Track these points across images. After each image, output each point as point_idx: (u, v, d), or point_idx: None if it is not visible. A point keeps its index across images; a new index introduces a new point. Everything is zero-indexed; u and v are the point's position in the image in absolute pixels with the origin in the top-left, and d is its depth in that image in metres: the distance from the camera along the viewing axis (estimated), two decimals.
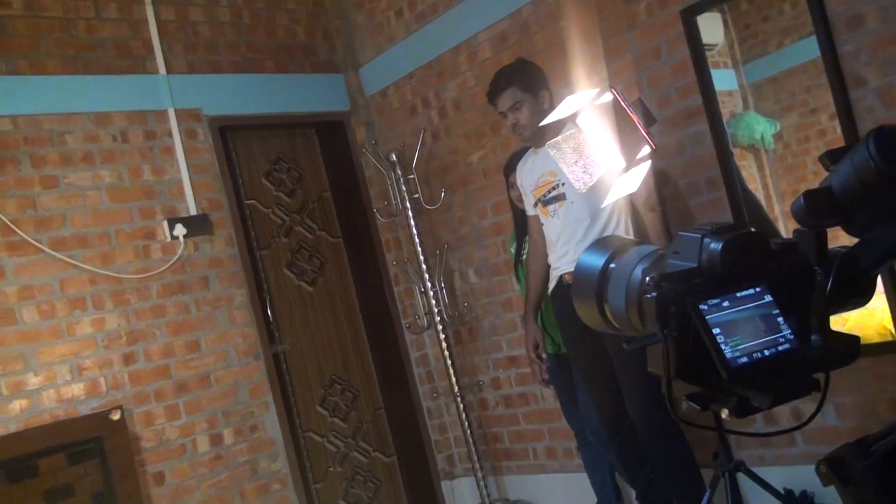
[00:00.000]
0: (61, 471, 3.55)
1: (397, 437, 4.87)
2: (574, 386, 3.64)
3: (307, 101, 4.83)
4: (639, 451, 3.30)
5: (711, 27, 3.42)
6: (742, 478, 2.93)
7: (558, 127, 2.96)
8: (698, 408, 1.20)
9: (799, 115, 3.33)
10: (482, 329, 4.59)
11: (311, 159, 4.96)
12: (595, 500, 3.83)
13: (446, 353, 4.47)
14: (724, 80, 3.44)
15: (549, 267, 3.40)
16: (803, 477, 3.13)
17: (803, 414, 3.16)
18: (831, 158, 1.28)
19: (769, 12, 3.36)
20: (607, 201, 2.99)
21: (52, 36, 3.97)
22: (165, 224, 4.09)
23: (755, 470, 2.97)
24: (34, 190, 3.79)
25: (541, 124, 3.05)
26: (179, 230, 4.10)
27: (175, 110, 4.24)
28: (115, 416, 3.68)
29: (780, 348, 1.19)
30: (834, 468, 1.26)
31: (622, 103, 1.97)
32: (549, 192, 3.29)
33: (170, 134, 4.21)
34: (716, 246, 1.24)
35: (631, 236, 3.17)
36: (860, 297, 1.28)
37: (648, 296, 1.23)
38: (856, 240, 1.29)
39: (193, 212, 4.19)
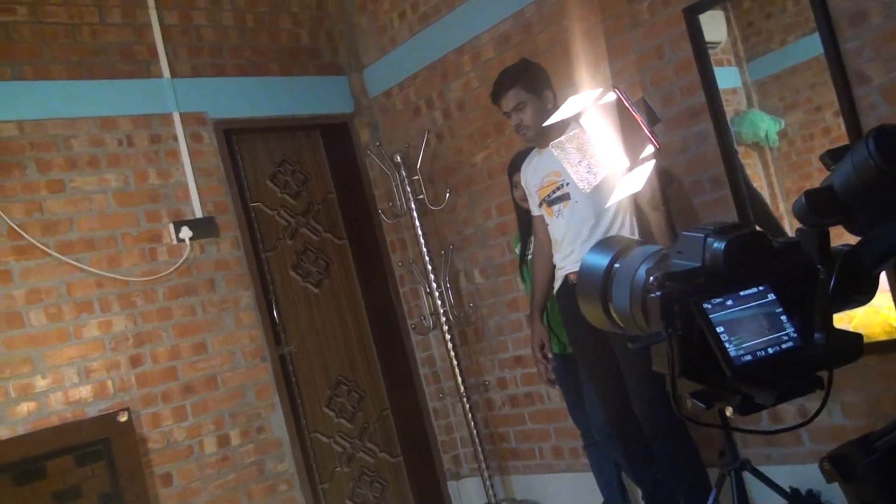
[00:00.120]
0: (69, 472, 3.56)
1: (403, 437, 4.88)
2: (580, 385, 3.64)
3: (311, 103, 4.84)
4: (645, 450, 3.30)
5: (714, 25, 3.42)
6: (748, 476, 2.92)
7: (562, 127, 2.97)
8: (703, 406, 1.21)
9: (803, 113, 3.33)
10: (488, 329, 4.59)
11: (315, 161, 4.97)
12: (601, 499, 3.84)
13: (452, 353, 4.47)
14: (727, 78, 3.44)
15: (554, 267, 3.41)
16: (809, 476, 3.13)
17: (809, 412, 3.14)
18: (832, 157, 1.29)
19: (772, 9, 3.36)
20: (612, 201, 2.99)
21: (56, 41, 3.98)
22: (171, 227, 4.11)
23: (761, 469, 2.96)
24: (41, 194, 3.80)
25: (545, 124, 3.05)
26: (185, 233, 4.12)
27: (180, 114, 4.25)
28: (123, 418, 3.69)
29: (784, 346, 1.20)
30: (837, 465, 1.27)
31: (625, 103, 1.98)
32: (554, 192, 3.30)
33: (175, 137, 4.23)
34: (719, 245, 1.24)
35: (635, 236, 3.17)
36: (863, 294, 1.28)
37: (653, 295, 1.23)
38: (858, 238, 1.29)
39: (199, 214, 4.20)
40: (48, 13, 3.98)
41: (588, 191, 2.40)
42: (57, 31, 3.99)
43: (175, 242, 4.10)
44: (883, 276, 1.36)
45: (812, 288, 1.23)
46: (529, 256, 3.73)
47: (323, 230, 4.90)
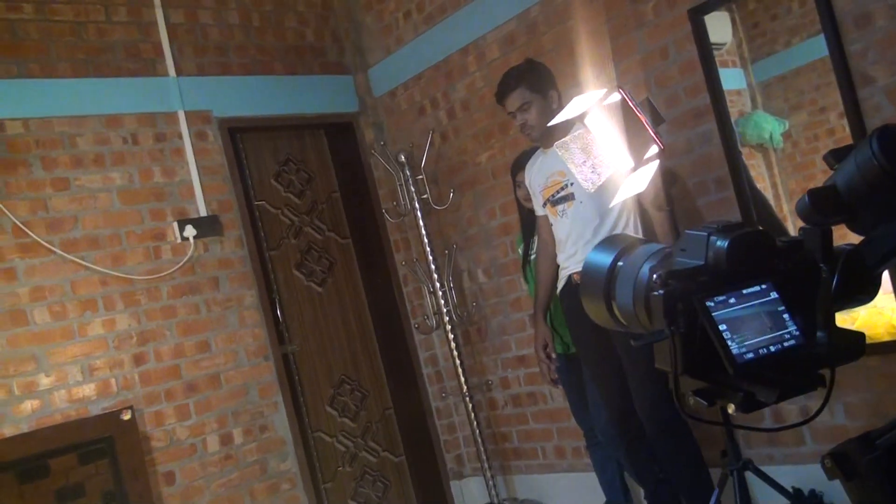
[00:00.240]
0: (72, 470, 3.57)
1: (406, 436, 4.89)
2: (583, 385, 3.65)
3: (316, 102, 4.85)
4: (647, 450, 3.30)
5: (719, 26, 3.42)
6: (751, 476, 2.93)
7: (567, 127, 2.97)
8: (705, 403, 1.21)
9: (808, 114, 3.33)
10: (491, 329, 4.60)
11: (320, 160, 4.97)
12: (604, 499, 3.84)
13: (455, 352, 4.48)
14: (732, 79, 3.44)
15: (558, 267, 3.41)
16: (812, 476, 3.13)
17: (811, 412, 3.15)
18: (835, 157, 1.29)
19: (777, 11, 3.36)
20: (616, 201, 3.01)
21: (62, 39, 4.00)
22: (176, 225, 4.12)
23: (764, 468, 2.97)
24: (45, 192, 3.82)
25: (549, 124, 3.06)
26: (189, 231, 4.12)
27: (185, 112, 4.27)
28: (126, 416, 3.70)
29: (786, 344, 1.20)
30: (838, 462, 1.27)
31: (630, 103, 1.99)
32: (558, 192, 3.30)
33: (180, 136, 4.24)
34: (722, 244, 1.24)
35: (639, 236, 3.18)
36: (865, 293, 1.28)
37: (656, 293, 1.24)
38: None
39: (203, 213, 4.21)
40: (54, 11, 3.99)
41: (592, 191, 2.41)
42: (63, 29, 4.00)
43: (179, 241, 4.12)
44: (886, 279, 1.36)
45: (814, 286, 1.24)
46: (533, 256, 3.74)
47: (327, 229, 4.90)
